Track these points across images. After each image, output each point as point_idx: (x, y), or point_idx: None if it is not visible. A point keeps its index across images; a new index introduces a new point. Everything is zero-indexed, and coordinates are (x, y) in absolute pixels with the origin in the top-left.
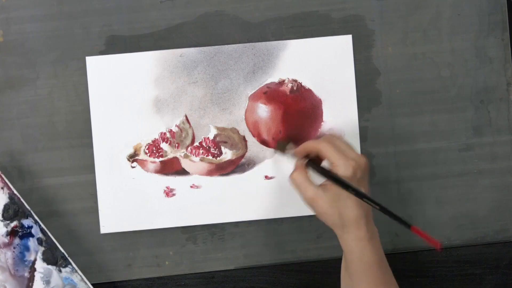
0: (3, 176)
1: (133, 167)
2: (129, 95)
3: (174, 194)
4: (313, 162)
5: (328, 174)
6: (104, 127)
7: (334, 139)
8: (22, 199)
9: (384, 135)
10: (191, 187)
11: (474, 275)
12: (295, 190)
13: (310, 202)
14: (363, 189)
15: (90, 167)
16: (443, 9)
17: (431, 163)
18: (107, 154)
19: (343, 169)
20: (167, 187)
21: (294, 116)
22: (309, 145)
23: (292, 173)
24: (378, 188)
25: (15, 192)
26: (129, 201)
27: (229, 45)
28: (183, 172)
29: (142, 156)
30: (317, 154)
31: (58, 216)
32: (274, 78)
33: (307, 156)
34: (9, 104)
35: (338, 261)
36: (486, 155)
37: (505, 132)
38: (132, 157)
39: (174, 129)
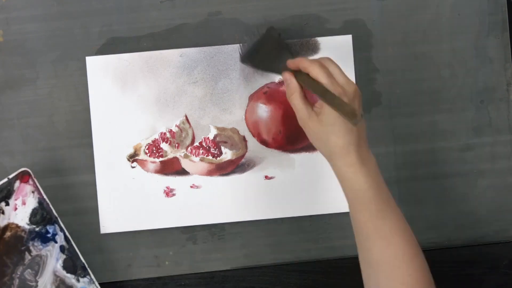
0: (35, 180)
1: (133, 167)
2: (129, 95)
3: (174, 194)
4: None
5: (317, 89)
6: (104, 127)
7: (329, 62)
8: (50, 205)
9: (384, 135)
10: (191, 187)
11: (474, 275)
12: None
13: (302, 124)
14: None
15: (90, 167)
16: (443, 9)
17: (431, 163)
18: (107, 154)
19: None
20: (167, 187)
21: (294, 116)
22: (302, 63)
23: (289, 94)
24: None
25: (45, 197)
26: (129, 201)
27: (229, 45)
28: (183, 172)
29: (142, 156)
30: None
31: (58, 216)
32: (274, 78)
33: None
34: (9, 104)
35: (338, 261)
36: (486, 155)
37: (505, 132)
38: (132, 157)
39: (174, 129)
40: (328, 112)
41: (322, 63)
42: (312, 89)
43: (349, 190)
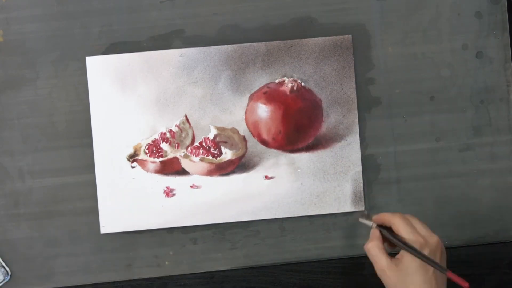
0: None
1: (133, 167)
2: (129, 95)
3: (174, 194)
4: (386, 229)
5: (399, 241)
6: (104, 127)
7: (409, 217)
8: None
9: (384, 135)
10: (191, 187)
11: (474, 275)
12: (370, 259)
13: (381, 273)
14: (431, 271)
15: (90, 167)
16: (443, 9)
17: (431, 163)
18: (107, 154)
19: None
20: (167, 187)
21: (294, 116)
22: (385, 216)
23: (368, 243)
24: (378, 188)
25: None
26: (129, 201)
27: (229, 45)
28: (183, 172)
29: (142, 156)
30: (389, 226)
31: (58, 216)
32: (274, 78)
33: (381, 225)
34: (9, 104)
35: (338, 261)
36: (486, 155)
37: (505, 132)
38: (132, 157)
39: (174, 129)
40: (409, 261)
41: (404, 217)
42: (395, 242)
43: None
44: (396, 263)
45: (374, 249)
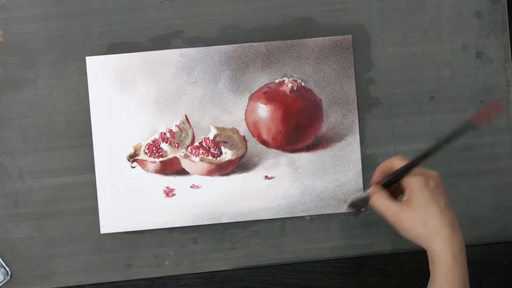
0: None
1: (133, 167)
2: (129, 95)
3: (174, 194)
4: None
5: (401, 170)
6: (104, 127)
7: (404, 157)
8: None
9: (384, 135)
10: (191, 187)
11: (474, 275)
12: (379, 213)
13: (395, 219)
14: (442, 202)
15: (90, 167)
16: (443, 9)
17: (431, 163)
18: (107, 154)
19: (415, 178)
20: (167, 187)
21: (294, 116)
22: (383, 165)
23: (371, 199)
24: None
25: None
26: (129, 201)
27: (229, 45)
28: (183, 172)
29: (142, 156)
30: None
31: (58, 216)
32: (274, 78)
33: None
34: (9, 104)
35: (338, 261)
36: (486, 155)
37: (505, 132)
38: (132, 157)
39: (174, 129)
40: (419, 197)
41: (400, 156)
42: (399, 175)
43: (442, 275)
44: (407, 204)
45: (380, 200)
